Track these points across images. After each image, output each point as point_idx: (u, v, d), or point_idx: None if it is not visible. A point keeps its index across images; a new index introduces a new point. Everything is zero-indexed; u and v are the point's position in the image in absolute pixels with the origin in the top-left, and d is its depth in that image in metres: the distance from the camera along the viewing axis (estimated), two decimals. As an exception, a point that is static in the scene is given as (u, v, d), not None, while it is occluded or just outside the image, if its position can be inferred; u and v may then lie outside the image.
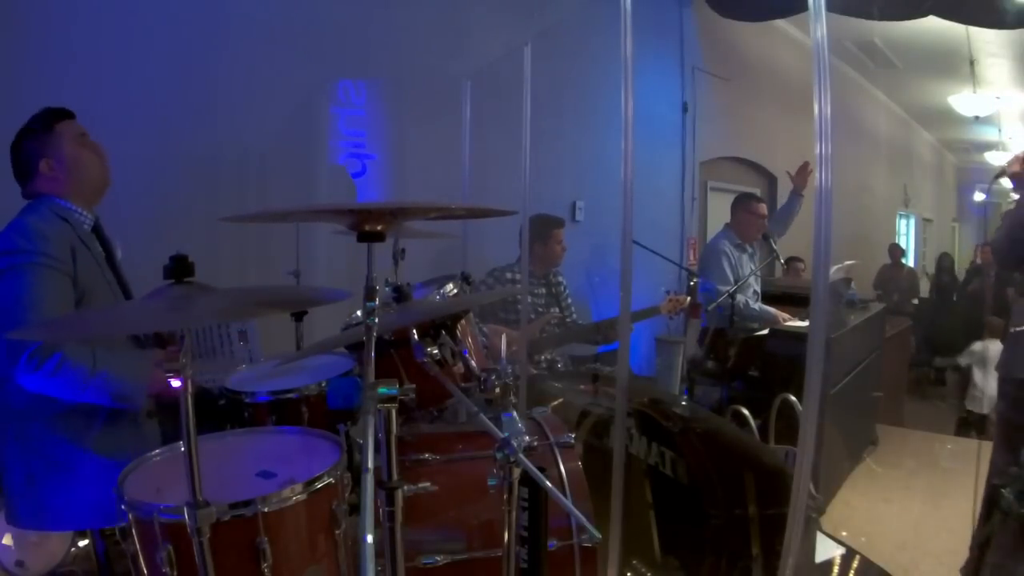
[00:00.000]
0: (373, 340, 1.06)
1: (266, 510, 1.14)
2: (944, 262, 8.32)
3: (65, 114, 1.80)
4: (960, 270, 8.37)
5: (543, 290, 3.47)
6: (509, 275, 3.35)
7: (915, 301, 7.52)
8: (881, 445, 4.01)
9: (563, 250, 3.49)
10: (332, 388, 1.65)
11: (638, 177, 1.95)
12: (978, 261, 8.00)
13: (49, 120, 1.77)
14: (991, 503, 1.95)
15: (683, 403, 2.39)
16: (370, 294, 1.07)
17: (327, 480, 1.24)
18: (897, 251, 7.91)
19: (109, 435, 1.71)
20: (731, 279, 3.58)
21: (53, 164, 1.74)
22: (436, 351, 1.59)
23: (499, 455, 1.18)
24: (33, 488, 1.68)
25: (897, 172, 10.00)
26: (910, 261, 10.98)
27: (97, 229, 1.83)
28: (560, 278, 3.56)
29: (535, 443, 1.28)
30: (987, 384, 4.45)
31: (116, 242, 1.91)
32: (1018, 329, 2.26)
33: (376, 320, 1.07)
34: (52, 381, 1.59)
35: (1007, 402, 2.31)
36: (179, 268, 1.09)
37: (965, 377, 4.76)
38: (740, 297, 3.54)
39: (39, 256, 1.62)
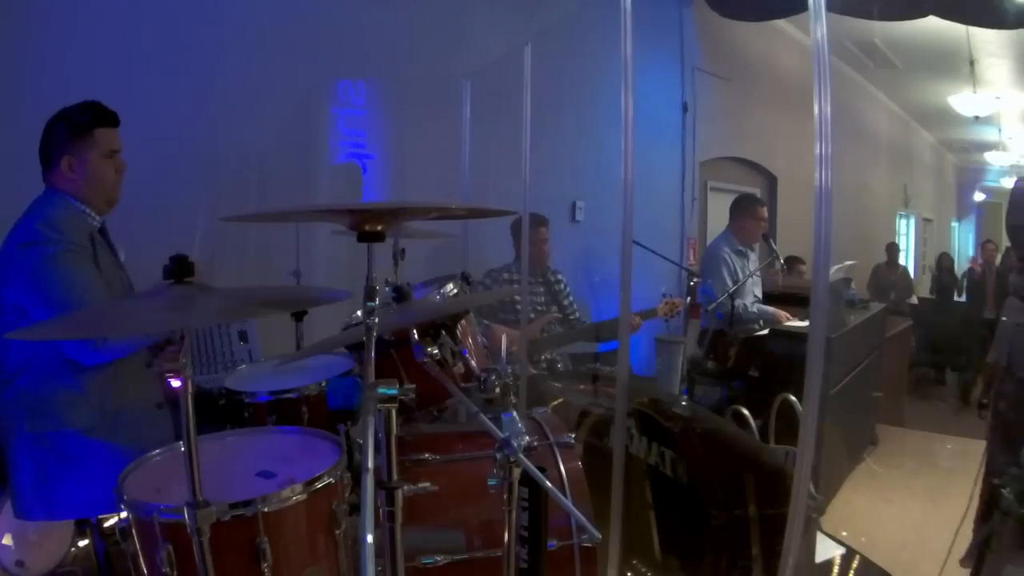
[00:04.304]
0: (373, 340, 1.06)
1: (266, 510, 1.14)
2: (944, 262, 8.31)
3: (110, 120, 1.80)
4: (960, 270, 8.37)
5: (541, 289, 3.47)
6: (507, 276, 3.34)
7: (908, 300, 7.50)
8: (881, 445, 4.00)
9: (548, 248, 3.47)
10: (332, 388, 1.65)
11: (638, 177, 1.95)
12: (979, 260, 8.00)
13: (91, 121, 1.76)
14: (991, 503, 1.96)
15: (683, 403, 2.39)
16: (370, 294, 1.07)
17: (327, 480, 1.24)
18: (894, 250, 7.88)
19: (121, 426, 1.73)
20: (731, 286, 3.57)
21: (75, 166, 1.75)
22: (436, 351, 1.59)
23: (499, 455, 1.18)
24: (44, 479, 1.69)
25: (897, 172, 10.00)
26: (910, 261, 10.99)
27: (103, 232, 1.85)
28: (559, 276, 3.56)
29: (535, 443, 1.28)
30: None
31: (119, 245, 1.92)
32: (1019, 322, 2.28)
33: (376, 320, 1.07)
34: (116, 348, 1.70)
35: (1007, 401, 2.31)
36: (179, 268, 1.10)
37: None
38: (739, 301, 3.53)
39: (69, 244, 1.67)
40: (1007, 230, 2.43)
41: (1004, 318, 2.35)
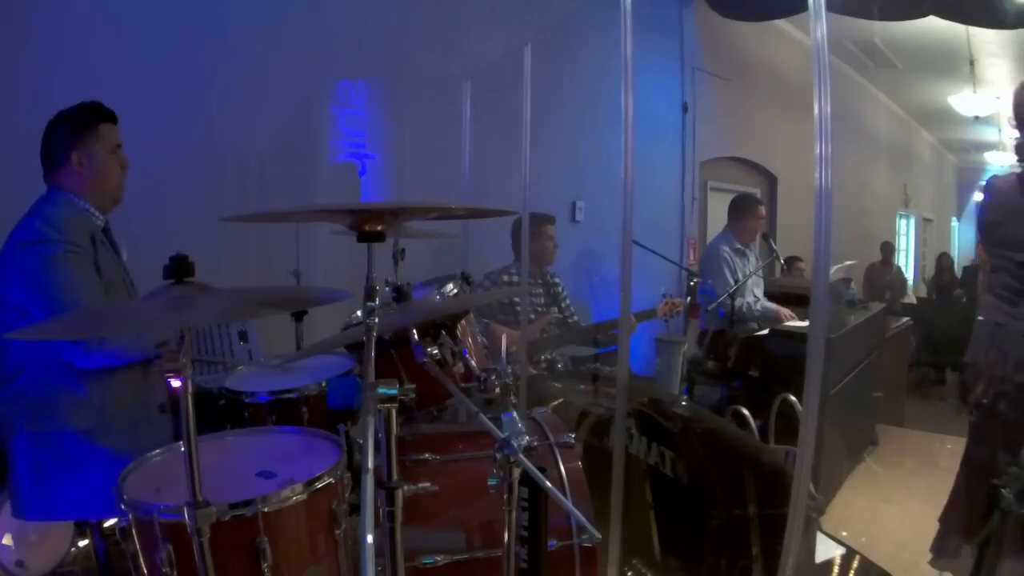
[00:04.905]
0: (373, 340, 1.06)
1: (266, 510, 1.14)
2: (944, 262, 8.31)
3: (111, 116, 1.82)
4: (960, 270, 8.37)
5: (540, 290, 3.46)
6: (506, 277, 3.34)
7: (913, 300, 7.51)
8: (881, 445, 4.00)
9: (554, 247, 3.47)
10: (332, 388, 1.65)
11: (638, 177, 1.95)
12: (976, 260, 8.00)
13: (96, 117, 1.78)
14: (991, 503, 1.96)
15: (683, 403, 2.38)
16: (370, 294, 1.07)
17: (327, 480, 1.24)
18: (888, 249, 7.88)
19: (121, 428, 1.73)
20: (732, 285, 3.57)
21: (84, 160, 1.75)
22: (436, 351, 1.59)
23: (499, 455, 1.18)
24: (43, 479, 1.69)
25: (897, 172, 10.00)
26: (909, 261, 10.98)
27: (106, 231, 1.85)
28: (557, 279, 3.56)
29: (535, 443, 1.28)
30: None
31: (122, 244, 1.92)
32: (998, 321, 2.26)
33: (376, 320, 1.07)
34: (111, 355, 1.69)
35: (1006, 403, 2.30)
36: (179, 268, 1.09)
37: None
38: (740, 300, 3.53)
39: (70, 245, 1.67)
40: (984, 226, 2.35)
41: (980, 317, 2.32)
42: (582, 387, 2.85)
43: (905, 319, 5.07)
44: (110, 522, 1.80)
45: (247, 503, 1.13)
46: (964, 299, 6.84)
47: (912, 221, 11.46)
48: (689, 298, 3.50)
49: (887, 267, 7.72)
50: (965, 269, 7.77)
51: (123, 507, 1.16)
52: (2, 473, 1.79)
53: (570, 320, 3.53)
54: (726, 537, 1.91)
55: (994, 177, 2.37)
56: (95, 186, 1.78)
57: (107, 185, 1.80)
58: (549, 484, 1.19)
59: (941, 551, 2.37)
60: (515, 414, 1.25)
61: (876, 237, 8.21)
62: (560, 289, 3.54)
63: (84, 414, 1.70)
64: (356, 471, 1.28)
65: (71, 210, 1.74)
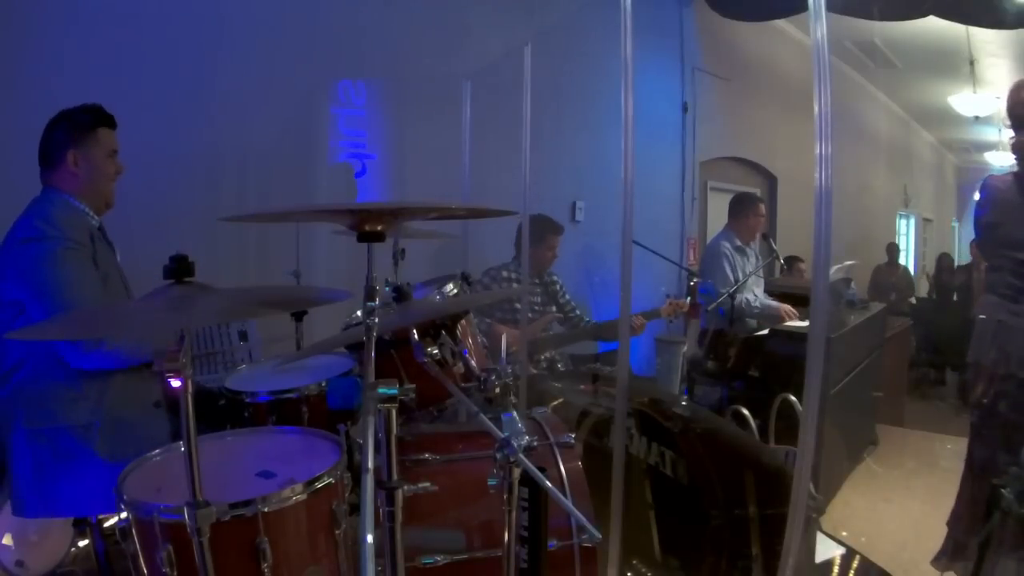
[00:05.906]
0: (373, 340, 1.06)
1: (266, 510, 1.14)
2: (944, 262, 8.30)
3: (110, 121, 1.83)
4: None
5: (539, 290, 3.47)
6: (505, 273, 3.34)
7: (912, 300, 7.50)
8: (881, 445, 4.01)
9: (553, 257, 3.48)
10: (332, 388, 1.65)
11: (638, 177, 1.95)
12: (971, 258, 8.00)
13: (95, 120, 1.80)
14: (991, 503, 1.96)
15: (683, 403, 2.39)
16: (370, 294, 1.07)
17: (327, 480, 1.24)
18: (894, 250, 7.88)
19: (118, 425, 1.73)
20: (732, 281, 3.58)
21: (80, 161, 1.76)
22: (436, 351, 1.59)
23: (499, 455, 1.18)
24: (41, 476, 1.69)
25: (897, 172, 9.99)
26: (909, 261, 10.97)
27: (101, 230, 1.86)
28: (554, 277, 3.56)
29: (535, 443, 1.28)
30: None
31: (116, 245, 1.92)
32: (1000, 319, 2.25)
33: (376, 320, 1.07)
34: (109, 356, 1.70)
35: (1008, 401, 2.30)
36: (179, 268, 1.10)
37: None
38: (740, 297, 3.54)
39: (68, 242, 1.68)
40: (982, 226, 2.34)
41: (982, 316, 2.32)
42: (582, 387, 2.85)
43: (905, 319, 5.07)
44: (110, 522, 1.80)
45: (247, 503, 1.13)
46: (956, 297, 6.86)
47: (912, 221, 11.45)
48: (689, 298, 3.51)
49: (893, 268, 7.72)
50: (958, 269, 7.77)
51: (123, 507, 1.16)
52: (2, 471, 1.79)
53: (571, 315, 3.53)
54: (726, 537, 1.91)
55: (990, 177, 2.36)
56: (89, 188, 1.79)
57: (100, 188, 1.82)
58: (549, 484, 1.19)
59: (946, 558, 2.36)
60: (515, 414, 1.25)
61: (876, 237, 8.20)
62: (558, 287, 3.54)
63: (81, 410, 1.71)
64: (356, 471, 1.28)
65: (67, 209, 1.75)
